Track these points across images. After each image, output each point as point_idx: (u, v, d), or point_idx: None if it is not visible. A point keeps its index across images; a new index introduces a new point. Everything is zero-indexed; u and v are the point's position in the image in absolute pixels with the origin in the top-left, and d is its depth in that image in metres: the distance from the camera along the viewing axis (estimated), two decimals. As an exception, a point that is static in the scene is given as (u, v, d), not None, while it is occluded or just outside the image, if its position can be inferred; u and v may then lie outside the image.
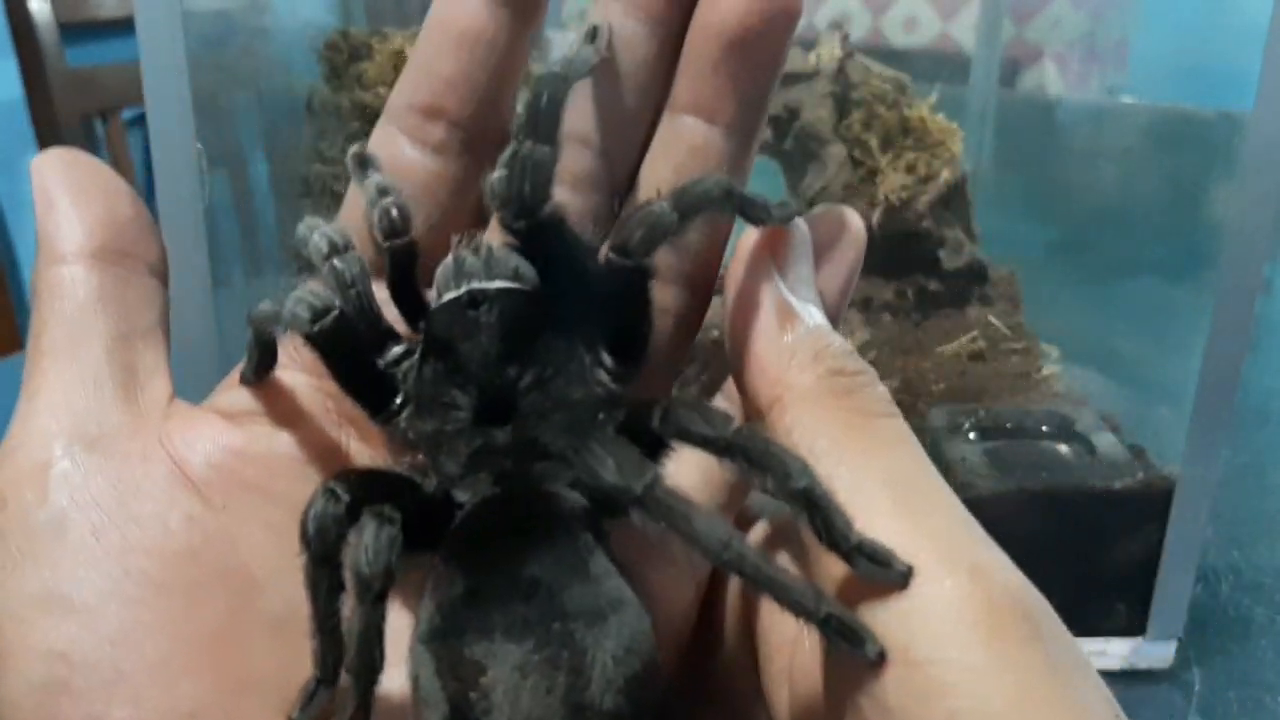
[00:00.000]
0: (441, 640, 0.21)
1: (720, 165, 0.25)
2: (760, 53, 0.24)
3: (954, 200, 0.54)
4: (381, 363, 0.24)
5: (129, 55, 0.36)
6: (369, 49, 0.55)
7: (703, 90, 0.25)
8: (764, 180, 0.62)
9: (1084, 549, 0.45)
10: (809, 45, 0.56)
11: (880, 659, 0.20)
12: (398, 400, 0.23)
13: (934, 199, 0.53)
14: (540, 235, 0.23)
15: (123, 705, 0.21)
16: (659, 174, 0.25)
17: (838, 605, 0.20)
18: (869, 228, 0.54)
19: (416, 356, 0.23)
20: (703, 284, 0.25)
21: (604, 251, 0.23)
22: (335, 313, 0.22)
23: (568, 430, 0.23)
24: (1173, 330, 0.52)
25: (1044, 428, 0.48)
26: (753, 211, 0.23)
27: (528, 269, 0.24)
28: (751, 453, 0.20)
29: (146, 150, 0.37)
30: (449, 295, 0.23)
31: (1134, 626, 0.44)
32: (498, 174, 0.23)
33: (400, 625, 0.22)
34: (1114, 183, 0.62)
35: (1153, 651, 0.44)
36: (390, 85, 0.55)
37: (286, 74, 0.57)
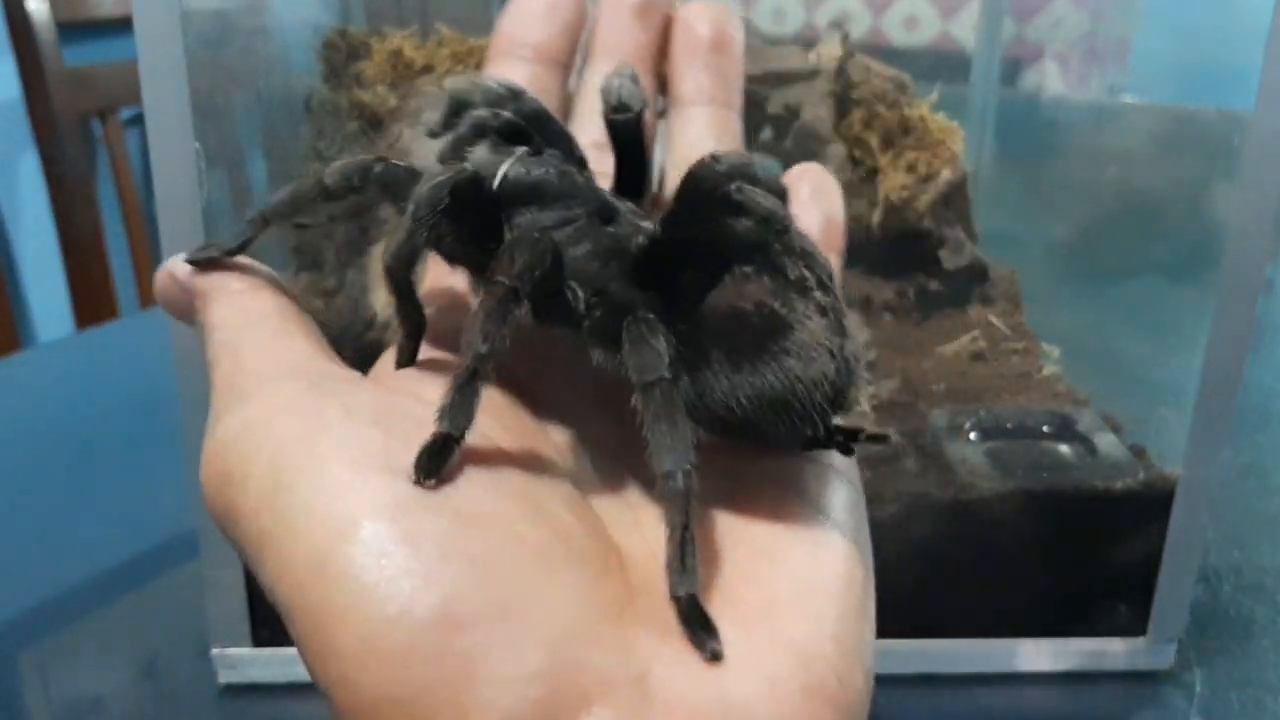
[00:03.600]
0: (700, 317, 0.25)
1: (737, 128, 0.34)
2: (733, 55, 0.34)
3: (955, 200, 0.54)
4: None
5: (127, 54, 0.36)
6: (368, 48, 0.55)
7: (704, 81, 0.33)
8: (764, 180, 0.62)
9: (1085, 549, 0.45)
10: (809, 44, 0.56)
11: (714, 659, 0.20)
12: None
13: (934, 198, 0.53)
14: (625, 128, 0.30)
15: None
16: (693, 143, 0.32)
17: (698, 595, 0.21)
18: (869, 227, 0.54)
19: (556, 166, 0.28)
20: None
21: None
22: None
23: (642, 218, 0.28)
24: (1174, 330, 0.52)
25: (1045, 428, 0.48)
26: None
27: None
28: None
29: (144, 150, 0.36)
30: (510, 163, 0.27)
31: (1135, 627, 0.44)
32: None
33: None
34: (1115, 182, 0.62)
35: (1154, 652, 0.44)
36: (389, 84, 0.55)
37: (285, 73, 0.57)
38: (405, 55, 0.55)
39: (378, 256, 0.51)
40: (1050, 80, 0.84)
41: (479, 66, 0.55)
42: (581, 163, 0.29)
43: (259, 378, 0.23)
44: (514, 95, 0.29)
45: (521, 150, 0.27)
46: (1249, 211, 0.38)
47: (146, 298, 1.18)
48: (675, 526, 0.21)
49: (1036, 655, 0.44)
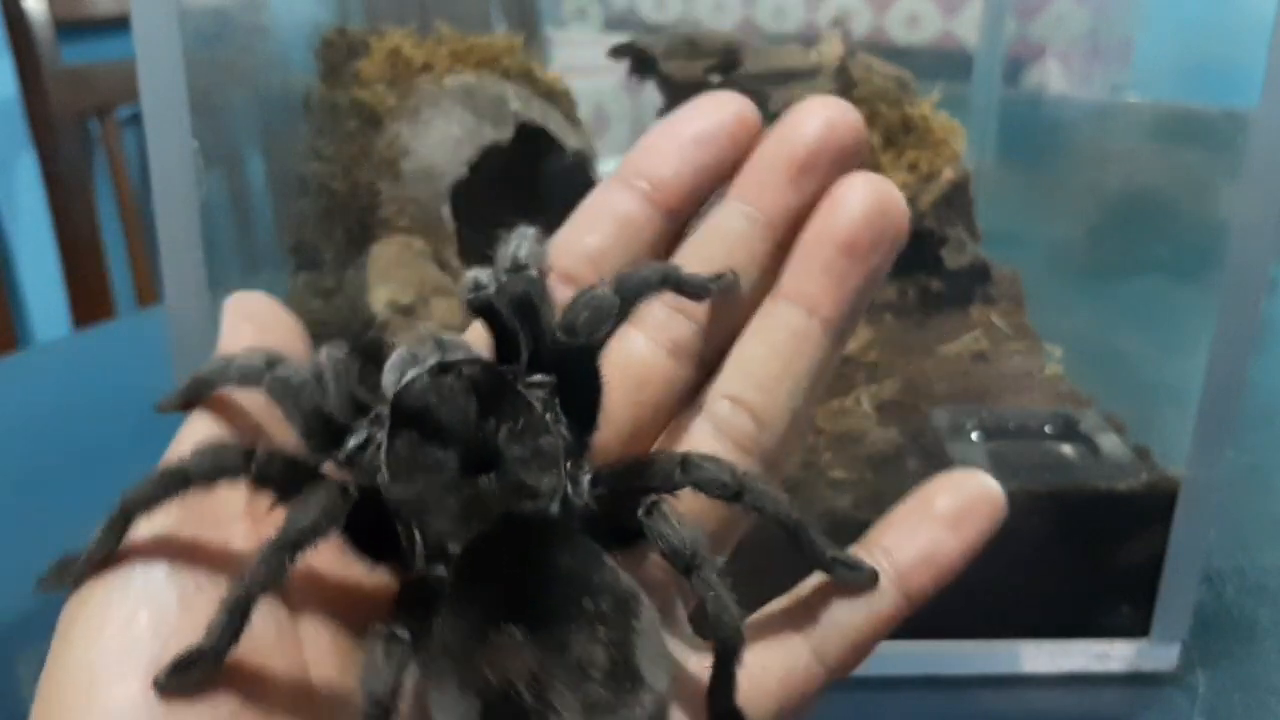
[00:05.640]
0: (462, 650, 0.22)
1: (812, 355, 0.27)
2: (867, 262, 0.27)
3: (956, 199, 0.54)
4: (342, 456, 0.25)
5: (125, 53, 0.35)
6: (366, 47, 0.55)
7: (809, 285, 0.27)
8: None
9: (1088, 550, 0.45)
10: (810, 42, 0.56)
11: (873, 580, 0.25)
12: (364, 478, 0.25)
13: (936, 197, 0.53)
14: (516, 308, 0.26)
15: None
16: (754, 352, 0.28)
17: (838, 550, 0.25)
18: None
19: (383, 434, 0.25)
20: (706, 361, 0.28)
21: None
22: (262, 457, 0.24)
23: (548, 471, 0.25)
24: (1177, 330, 0.52)
25: (1047, 428, 0.48)
26: (692, 290, 0.26)
27: (472, 348, 0.26)
28: (756, 498, 0.24)
29: (142, 148, 0.36)
30: (414, 371, 0.25)
31: (1138, 629, 0.44)
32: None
33: None
34: (1118, 181, 0.62)
35: (1157, 654, 0.44)
36: (388, 83, 0.55)
37: (283, 72, 0.57)
38: (404, 53, 0.54)
39: (378, 255, 0.51)
40: (1053, 79, 0.84)
41: (478, 64, 0.55)
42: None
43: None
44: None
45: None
46: (1252, 210, 0.38)
47: (144, 297, 1.18)
48: None
49: (1040, 657, 0.44)
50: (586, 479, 0.25)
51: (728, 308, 0.28)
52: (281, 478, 0.24)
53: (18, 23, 1.05)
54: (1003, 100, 0.72)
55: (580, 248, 0.28)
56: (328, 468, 0.25)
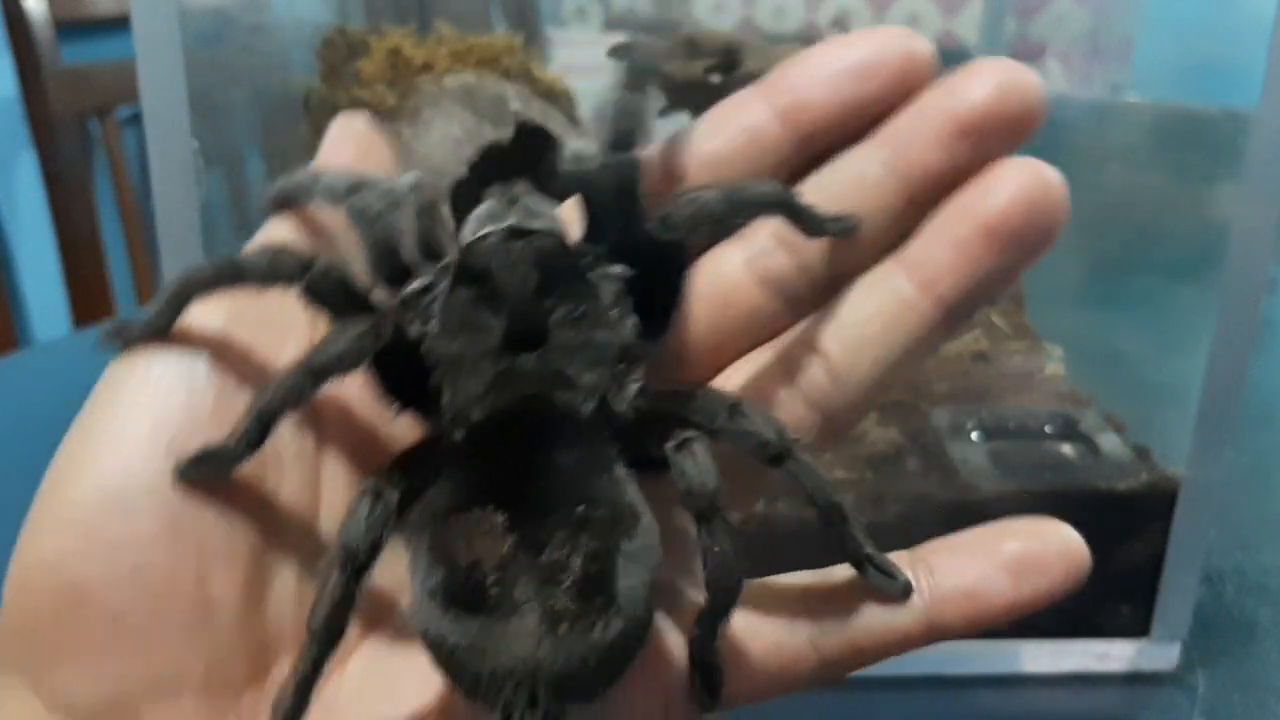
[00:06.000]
0: (443, 517, 0.21)
1: (914, 331, 0.25)
2: (1005, 253, 0.24)
3: (956, 199, 0.54)
4: (400, 296, 0.25)
5: (125, 53, 0.35)
6: (366, 46, 0.55)
7: (935, 258, 0.25)
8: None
9: (1088, 550, 0.45)
10: (810, 42, 0.56)
11: (903, 594, 0.24)
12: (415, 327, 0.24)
13: (936, 197, 0.53)
14: (608, 185, 0.24)
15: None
16: (855, 309, 0.25)
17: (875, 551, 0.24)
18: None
19: (447, 283, 0.24)
20: (803, 302, 0.26)
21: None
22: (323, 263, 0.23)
23: (593, 367, 0.23)
24: (1178, 330, 0.52)
25: (1047, 428, 0.48)
26: (807, 223, 0.24)
27: (558, 219, 0.25)
28: (798, 469, 0.22)
29: (142, 148, 0.36)
30: (490, 228, 0.24)
31: (1138, 628, 0.44)
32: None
33: None
34: (1118, 181, 0.62)
35: (1157, 654, 0.44)
36: (388, 83, 0.55)
37: (283, 72, 0.57)
38: (404, 53, 0.54)
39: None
40: (1052, 78, 0.84)
41: (478, 64, 0.55)
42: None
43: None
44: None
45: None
46: (1252, 210, 0.38)
47: (144, 296, 1.18)
48: None
49: (1040, 657, 0.44)
50: (634, 387, 0.24)
51: (840, 253, 0.25)
52: (332, 297, 0.23)
53: (18, 23, 1.05)
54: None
55: (698, 149, 0.26)
56: (387, 305, 0.25)
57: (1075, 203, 0.25)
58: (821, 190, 0.25)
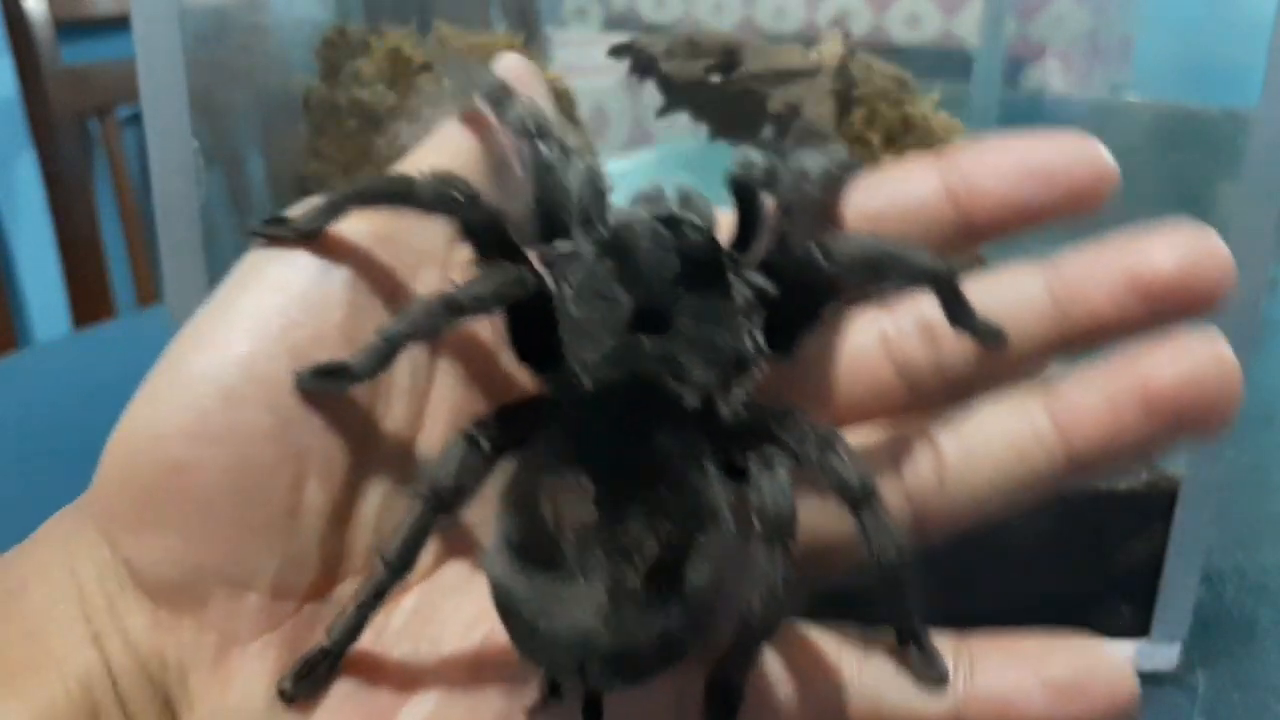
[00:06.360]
0: (535, 473, 0.22)
1: (1036, 470, 0.24)
2: (1156, 425, 0.23)
3: (956, 199, 0.54)
4: (546, 253, 0.25)
5: (125, 53, 0.35)
6: (366, 46, 0.55)
7: (1083, 407, 0.24)
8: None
9: (1087, 550, 0.45)
10: (810, 42, 0.56)
11: (938, 684, 0.23)
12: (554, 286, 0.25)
13: (936, 197, 0.53)
14: (756, 207, 0.25)
15: None
16: (988, 426, 0.25)
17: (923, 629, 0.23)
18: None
19: (594, 251, 0.25)
20: (928, 395, 0.26)
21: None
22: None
23: (707, 366, 0.24)
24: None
25: (1047, 428, 0.48)
26: (958, 314, 0.24)
27: (714, 216, 0.25)
28: (871, 522, 0.22)
29: (142, 148, 0.36)
30: (646, 208, 0.25)
31: (1138, 628, 0.44)
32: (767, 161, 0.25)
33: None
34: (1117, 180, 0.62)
35: (1157, 654, 0.44)
36: (387, 83, 0.55)
37: (283, 71, 0.57)
38: (404, 53, 0.54)
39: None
40: (1053, 78, 0.84)
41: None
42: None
43: None
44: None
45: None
46: (1252, 210, 0.38)
47: (144, 296, 1.18)
48: None
49: (1039, 656, 0.44)
50: (741, 395, 0.24)
51: (978, 362, 0.25)
52: (487, 238, 0.24)
53: (18, 23, 1.05)
54: (1003, 100, 0.72)
55: (859, 200, 0.26)
56: (539, 257, 0.25)
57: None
58: (979, 290, 0.25)
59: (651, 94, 0.60)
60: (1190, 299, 0.24)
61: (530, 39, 0.60)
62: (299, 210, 0.25)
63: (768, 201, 0.26)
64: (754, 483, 0.22)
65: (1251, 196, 0.38)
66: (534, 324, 0.24)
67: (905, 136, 0.54)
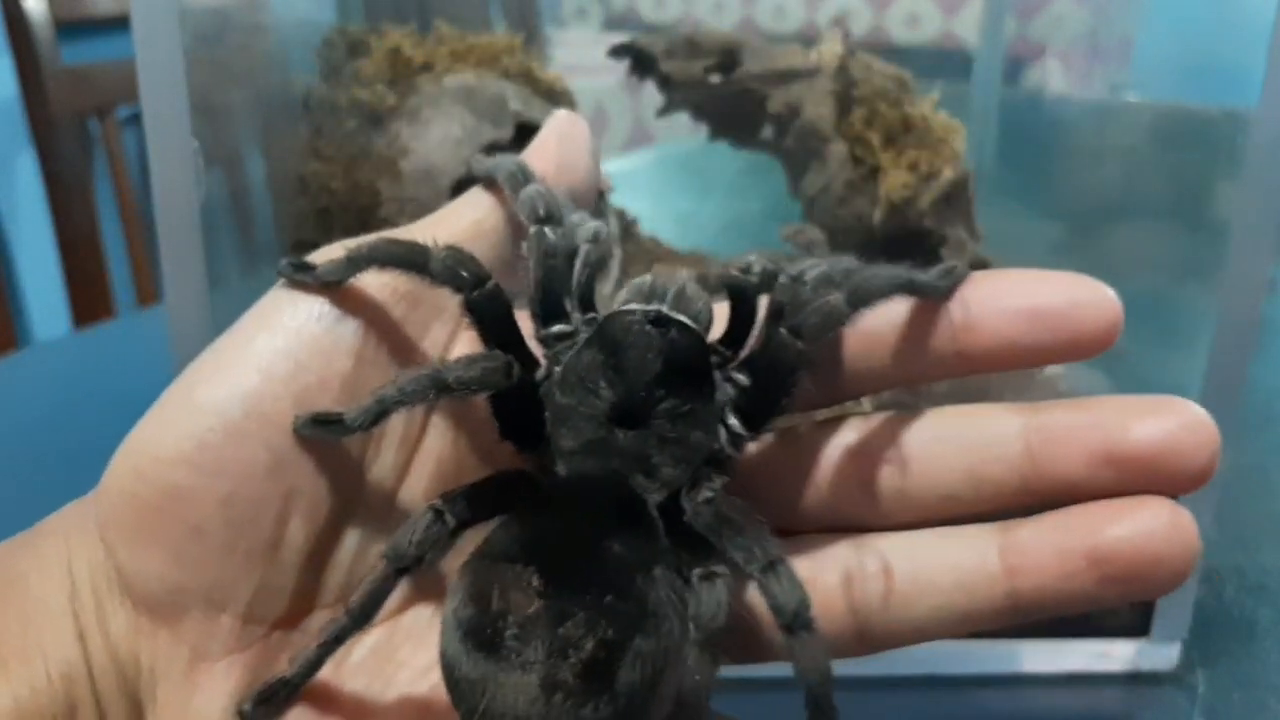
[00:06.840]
0: (492, 558, 0.23)
1: (978, 604, 0.24)
2: (1105, 587, 0.23)
3: (956, 198, 0.54)
4: (542, 333, 0.27)
5: (125, 53, 0.35)
6: (366, 46, 0.55)
7: (1033, 554, 0.24)
8: (765, 178, 0.62)
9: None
10: (810, 42, 0.56)
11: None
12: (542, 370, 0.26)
13: (936, 197, 0.53)
14: (750, 308, 0.26)
15: None
16: (940, 553, 0.25)
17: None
18: (870, 227, 0.54)
19: (580, 340, 0.26)
20: (890, 507, 0.26)
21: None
22: (491, 283, 0.25)
23: (677, 465, 0.25)
24: (1177, 330, 0.52)
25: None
26: (929, 295, 0.25)
27: (708, 315, 0.26)
28: (799, 649, 0.22)
29: (142, 148, 0.36)
30: (638, 306, 0.26)
31: (1138, 628, 0.44)
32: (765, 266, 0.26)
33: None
34: (1118, 181, 0.62)
35: (1157, 653, 0.44)
36: (387, 82, 0.55)
37: (283, 71, 0.57)
38: (404, 53, 0.54)
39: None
40: (1052, 78, 0.84)
41: (477, 64, 0.55)
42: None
43: None
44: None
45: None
46: (1252, 210, 0.38)
47: (144, 296, 1.18)
48: None
49: (1040, 656, 0.44)
50: (708, 494, 0.25)
51: (948, 487, 0.25)
52: (489, 320, 0.26)
53: (18, 23, 1.05)
54: (1003, 100, 0.72)
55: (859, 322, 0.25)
56: (532, 339, 0.27)
57: (1075, 202, 0.25)
58: (955, 427, 0.25)
59: (651, 94, 0.60)
60: (1167, 478, 0.23)
61: (530, 39, 0.60)
62: (324, 256, 0.26)
63: (761, 303, 0.26)
64: (695, 592, 0.23)
65: (1251, 196, 0.38)
66: (520, 405, 0.26)
67: (905, 136, 0.54)
